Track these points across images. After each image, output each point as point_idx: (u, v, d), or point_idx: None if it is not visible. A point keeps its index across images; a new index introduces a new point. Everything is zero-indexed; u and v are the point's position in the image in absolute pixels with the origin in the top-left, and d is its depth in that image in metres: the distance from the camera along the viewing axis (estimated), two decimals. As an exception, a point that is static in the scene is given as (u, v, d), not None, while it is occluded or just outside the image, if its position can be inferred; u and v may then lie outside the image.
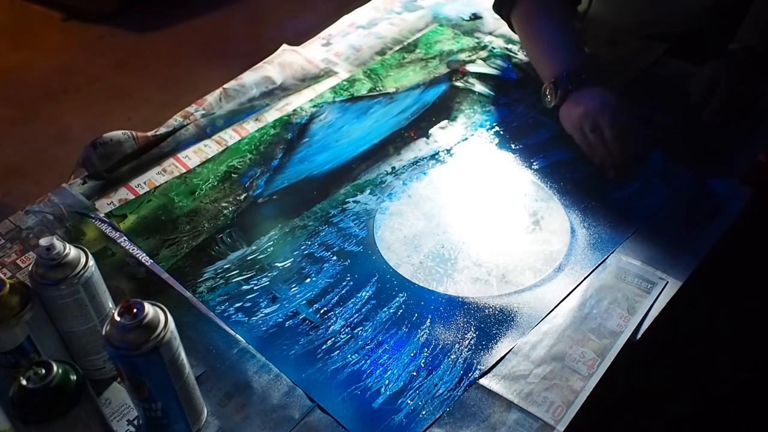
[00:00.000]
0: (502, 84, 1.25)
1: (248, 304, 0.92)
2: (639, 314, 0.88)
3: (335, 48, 1.36)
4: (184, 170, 1.12)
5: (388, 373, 0.84)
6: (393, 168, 1.11)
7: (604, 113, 1.04)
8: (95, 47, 2.88)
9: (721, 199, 1.02)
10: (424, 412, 0.80)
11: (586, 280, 0.93)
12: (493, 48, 1.33)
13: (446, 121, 1.19)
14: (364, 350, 0.86)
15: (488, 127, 1.17)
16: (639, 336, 0.87)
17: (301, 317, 0.90)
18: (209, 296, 0.93)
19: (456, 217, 1.03)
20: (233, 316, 0.91)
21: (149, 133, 1.14)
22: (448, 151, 1.14)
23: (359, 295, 0.92)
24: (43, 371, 0.65)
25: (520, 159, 1.12)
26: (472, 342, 0.87)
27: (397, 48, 1.35)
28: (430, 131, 1.17)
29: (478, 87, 1.25)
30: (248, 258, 0.98)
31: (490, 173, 1.10)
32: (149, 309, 0.69)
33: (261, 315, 0.91)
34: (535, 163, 1.10)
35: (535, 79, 1.24)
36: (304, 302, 0.92)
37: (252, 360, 0.86)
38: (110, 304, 0.81)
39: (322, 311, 0.91)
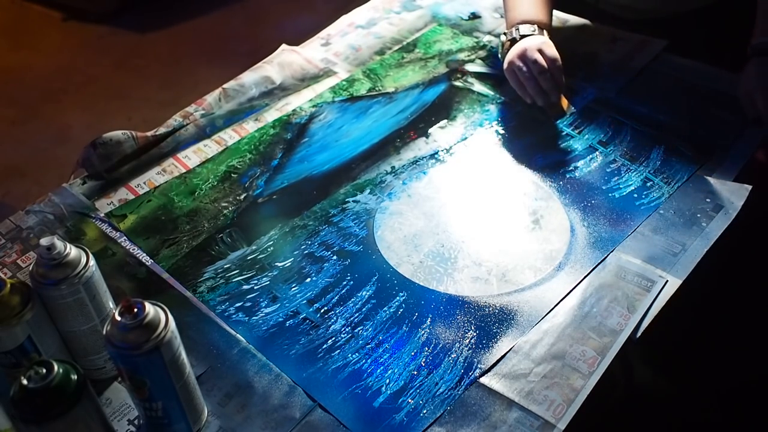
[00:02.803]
0: (501, 83, 1.25)
1: (248, 304, 0.92)
2: (639, 312, 0.88)
3: (334, 48, 1.36)
4: (183, 170, 1.12)
5: (389, 372, 0.84)
6: (393, 167, 1.11)
7: (533, 52, 1.14)
8: (95, 47, 2.88)
9: (721, 197, 1.02)
10: (424, 411, 0.80)
11: (586, 278, 0.93)
12: (492, 47, 1.33)
13: (445, 120, 1.19)
14: (364, 349, 0.86)
15: (487, 126, 1.18)
16: (639, 334, 0.87)
17: (301, 317, 0.90)
18: (209, 296, 0.93)
19: (456, 216, 1.04)
20: (233, 316, 0.91)
21: (149, 133, 1.14)
22: (448, 150, 1.14)
23: (359, 295, 0.93)
24: (44, 371, 0.65)
25: (519, 158, 1.12)
26: (472, 341, 0.87)
27: (396, 48, 1.35)
28: (429, 131, 1.17)
29: (478, 86, 1.25)
30: (248, 258, 0.98)
31: (490, 172, 1.10)
32: (150, 309, 0.69)
33: (261, 315, 0.91)
34: (534, 162, 1.11)
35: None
36: (304, 302, 0.92)
37: (253, 360, 0.86)
38: (111, 304, 0.81)
39: (322, 311, 0.91)
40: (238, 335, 0.89)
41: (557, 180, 1.07)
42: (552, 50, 1.15)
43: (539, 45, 1.15)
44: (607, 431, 1.02)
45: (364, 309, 0.91)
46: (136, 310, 0.68)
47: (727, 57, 1.19)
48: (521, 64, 1.15)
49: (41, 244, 0.74)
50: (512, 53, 1.17)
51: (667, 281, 0.91)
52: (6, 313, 0.72)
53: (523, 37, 1.18)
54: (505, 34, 1.22)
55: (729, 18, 1.23)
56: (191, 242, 1.01)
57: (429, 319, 0.89)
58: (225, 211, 1.06)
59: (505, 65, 1.18)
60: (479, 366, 0.84)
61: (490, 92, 1.24)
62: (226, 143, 1.16)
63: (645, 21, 1.32)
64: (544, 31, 1.19)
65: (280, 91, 1.25)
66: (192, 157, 1.14)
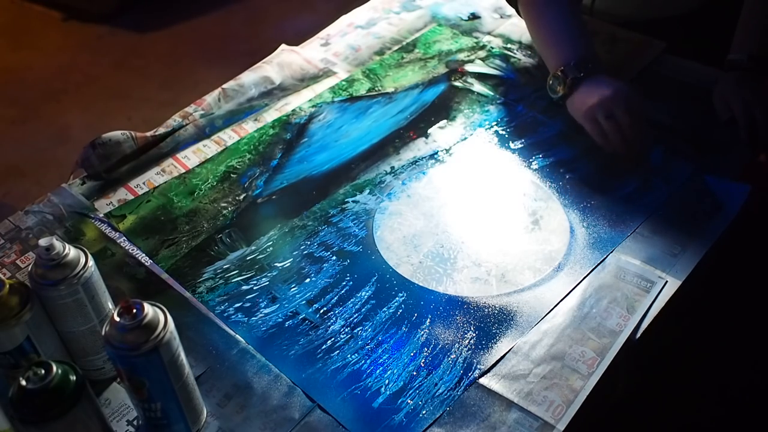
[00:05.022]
0: (500, 84, 1.25)
1: (248, 305, 0.92)
2: (638, 313, 0.88)
3: (334, 48, 1.36)
4: (183, 170, 1.12)
5: (388, 372, 0.84)
6: (392, 168, 1.11)
7: (620, 100, 1.04)
8: (95, 47, 2.88)
9: (720, 198, 1.02)
10: (424, 412, 0.80)
11: (586, 279, 0.93)
12: (492, 48, 1.33)
13: (445, 120, 1.19)
14: (363, 350, 0.86)
15: (487, 126, 1.17)
16: (638, 335, 0.87)
17: (300, 317, 0.90)
18: (209, 296, 0.93)
19: (455, 216, 1.03)
20: (233, 317, 0.91)
21: (148, 134, 1.14)
22: (447, 150, 1.14)
23: (359, 295, 0.92)
24: (43, 372, 0.65)
25: (519, 158, 1.12)
26: (471, 341, 0.87)
27: (395, 48, 1.35)
28: (429, 131, 1.17)
29: (477, 87, 1.25)
30: (248, 258, 0.98)
31: (489, 173, 1.10)
32: (149, 309, 0.69)
33: (261, 315, 0.91)
34: (534, 163, 1.10)
35: (535, 78, 1.24)
36: (303, 302, 0.92)
37: (252, 360, 0.86)
38: (110, 305, 0.81)
39: (321, 311, 0.91)
40: (237, 336, 0.89)
41: (557, 180, 1.07)
42: (639, 98, 1.05)
43: (625, 93, 1.05)
44: (607, 432, 1.02)
45: (363, 309, 0.91)
46: (135, 310, 0.68)
47: (716, 61, 1.19)
48: (607, 113, 1.04)
49: (40, 245, 0.74)
50: (592, 97, 1.06)
51: (666, 282, 0.91)
52: (5, 313, 0.72)
53: (585, 75, 1.08)
54: (562, 71, 1.10)
55: (714, 23, 1.23)
56: (190, 242, 1.01)
57: (428, 320, 0.89)
58: (224, 212, 1.05)
59: (583, 110, 1.07)
60: (479, 367, 0.84)
61: (490, 93, 1.24)
62: (225, 143, 1.16)
63: (632, 24, 1.32)
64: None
65: (280, 91, 1.25)
66: (191, 157, 1.14)
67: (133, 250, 1.00)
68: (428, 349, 0.86)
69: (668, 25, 1.31)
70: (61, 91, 2.64)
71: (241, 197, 1.08)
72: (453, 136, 1.16)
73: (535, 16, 1.21)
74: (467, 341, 0.87)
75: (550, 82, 1.14)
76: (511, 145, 1.14)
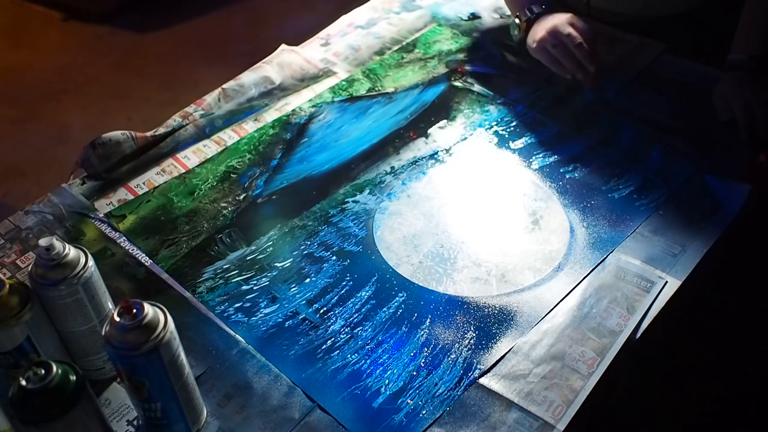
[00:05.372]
0: (500, 83, 1.25)
1: (248, 305, 0.92)
2: (638, 313, 0.88)
3: (334, 48, 1.35)
4: (183, 170, 1.12)
5: (388, 372, 0.84)
6: (392, 168, 1.11)
7: (564, 27, 1.16)
8: (95, 47, 2.88)
9: (720, 198, 1.02)
10: (424, 412, 0.80)
11: (586, 279, 0.93)
12: (492, 49, 1.33)
13: (445, 120, 1.19)
14: (363, 350, 0.86)
15: (487, 126, 1.17)
16: (638, 335, 0.87)
17: (300, 317, 0.90)
18: (209, 296, 0.93)
19: (455, 216, 1.03)
20: (233, 317, 0.91)
21: (148, 134, 1.14)
22: (447, 150, 1.14)
23: (359, 295, 0.92)
24: (43, 372, 0.65)
25: (519, 158, 1.12)
26: (471, 341, 0.87)
27: (395, 48, 1.35)
28: (429, 131, 1.17)
29: (477, 87, 1.25)
30: (248, 258, 0.98)
31: (490, 173, 1.10)
32: (149, 309, 0.69)
33: (261, 315, 0.91)
34: (534, 163, 1.10)
35: (534, 78, 1.24)
36: (303, 302, 0.92)
37: (252, 360, 0.86)
38: (110, 305, 0.81)
39: (321, 311, 0.91)
40: (237, 336, 0.89)
41: (557, 180, 1.07)
42: (582, 22, 1.17)
43: (568, 19, 1.17)
44: (607, 432, 1.02)
45: (363, 309, 0.91)
46: (135, 310, 0.68)
47: (714, 59, 1.19)
48: (554, 41, 1.16)
49: (40, 245, 0.74)
50: (540, 31, 1.18)
51: (666, 282, 0.91)
52: (5, 313, 0.72)
53: (538, 15, 1.19)
54: (518, 17, 1.25)
55: (714, 22, 1.24)
56: (190, 242, 1.01)
57: (428, 320, 0.89)
58: (224, 212, 1.05)
59: (534, 45, 1.20)
60: (479, 367, 0.84)
61: (490, 93, 1.24)
62: (225, 143, 1.16)
63: (630, 23, 1.32)
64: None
65: (280, 91, 1.25)
66: (191, 157, 1.14)
67: (133, 250, 1.00)
68: (428, 349, 0.86)
69: (668, 24, 1.31)
70: (61, 91, 2.64)
71: (241, 197, 1.08)
72: (453, 136, 1.16)
73: None
74: (467, 341, 0.87)
75: (511, 27, 1.27)
76: (511, 145, 1.14)
